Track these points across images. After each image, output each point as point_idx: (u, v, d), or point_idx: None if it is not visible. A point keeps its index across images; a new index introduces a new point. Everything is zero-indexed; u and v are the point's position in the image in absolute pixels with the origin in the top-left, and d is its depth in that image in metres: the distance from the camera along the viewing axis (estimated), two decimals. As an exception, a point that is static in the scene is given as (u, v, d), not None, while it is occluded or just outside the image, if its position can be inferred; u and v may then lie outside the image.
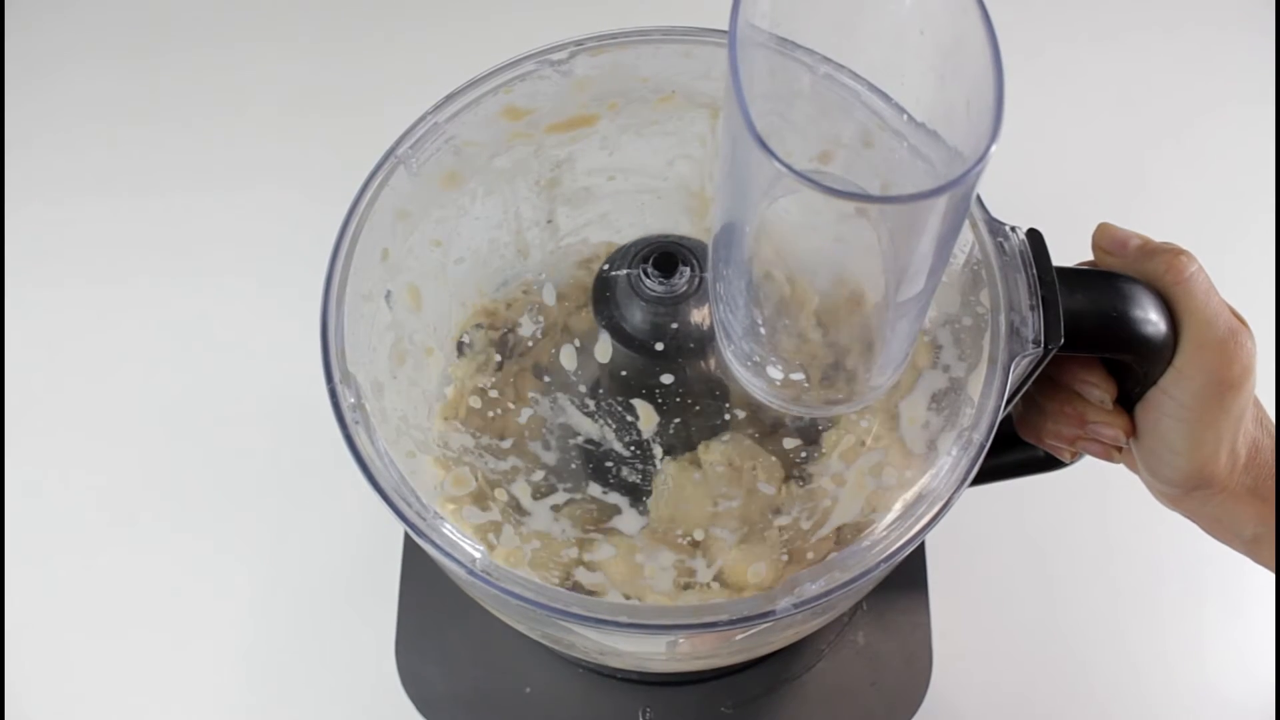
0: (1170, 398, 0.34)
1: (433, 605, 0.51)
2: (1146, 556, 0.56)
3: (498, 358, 0.33)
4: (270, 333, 0.60)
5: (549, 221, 0.35)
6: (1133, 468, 0.39)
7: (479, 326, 0.35)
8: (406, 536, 0.53)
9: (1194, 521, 0.38)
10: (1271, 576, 0.55)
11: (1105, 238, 0.35)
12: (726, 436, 0.32)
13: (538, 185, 0.36)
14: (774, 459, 0.32)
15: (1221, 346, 0.32)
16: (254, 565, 0.55)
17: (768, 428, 0.32)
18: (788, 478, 0.32)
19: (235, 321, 0.61)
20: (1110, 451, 0.38)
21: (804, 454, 0.32)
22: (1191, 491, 0.36)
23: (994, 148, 0.22)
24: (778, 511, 0.31)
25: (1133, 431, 0.37)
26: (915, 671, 0.50)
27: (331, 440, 0.31)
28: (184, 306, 0.62)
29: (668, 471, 0.32)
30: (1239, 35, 0.71)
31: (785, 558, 0.31)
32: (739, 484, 0.32)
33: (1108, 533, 0.57)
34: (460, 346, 0.34)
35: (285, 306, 0.55)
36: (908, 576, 0.51)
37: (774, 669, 0.49)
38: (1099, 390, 0.37)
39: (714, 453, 0.32)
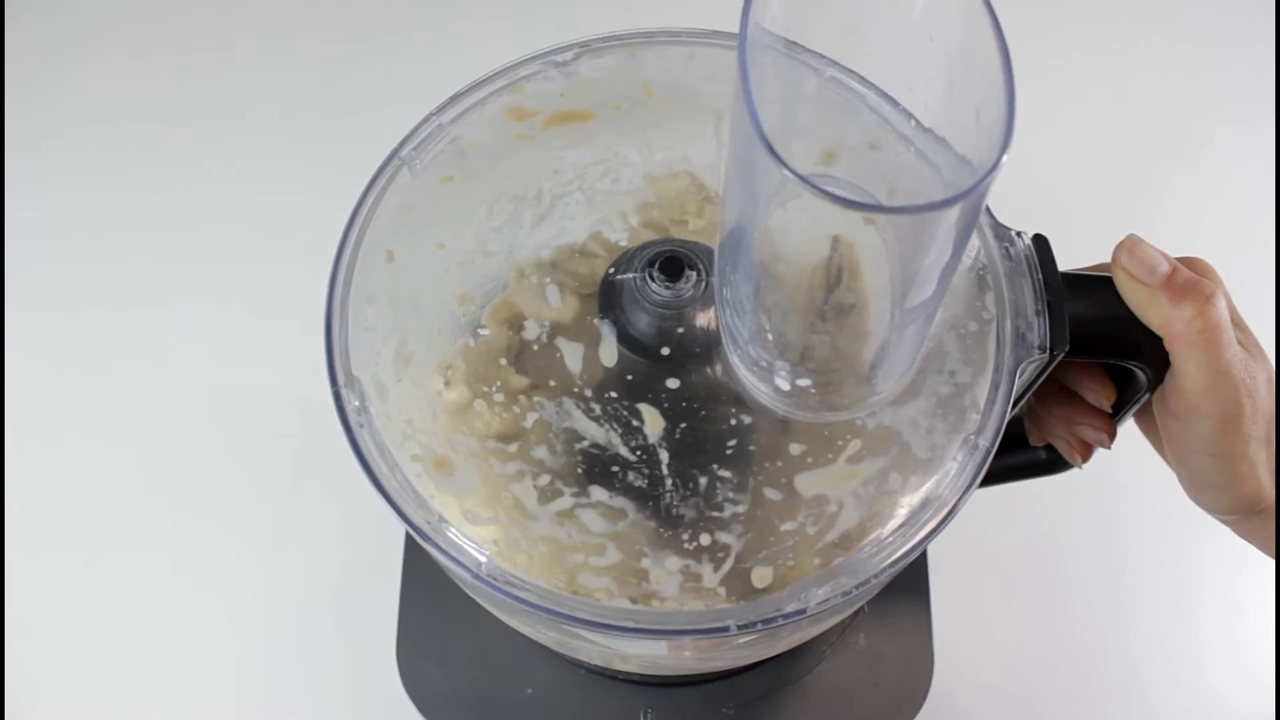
0: (1194, 433, 0.34)
1: (434, 606, 0.51)
2: (1147, 558, 0.56)
3: (502, 360, 0.33)
4: (272, 335, 0.60)
5: (553, 224, 0.35)
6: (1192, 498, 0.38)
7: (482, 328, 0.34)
8: (408, 537, 0.53)
9: (1262, 550, 0.37)
10: (1272, 577, 0.55)
11: (1134, 261, 0.32)
12: None
13: (542, 187, 0.36)
14: None
15: (1234, 384, 0.32)
16: (255, 566, 0.55)
17: (773, 432, 0.32)
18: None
19: (237, 323, 0.61)
20: (1075, 456, 0.38)
21: (809, 459, 0.32)
22: (1249, 517, 0.36)
23: (1005, 157, 0.22)
24: (784, 517, 0.31)
25: (1114, 437, 0.37)
26: (916, 673, 0.50)
27: (331, 441, 0.31)
28: (185, 308, 0.61)
29: None
30: (1243, 42, 0.71)
31: (791, 563, 0.31)
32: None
33: (1109, 535, 0.57)
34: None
35: (287, 309, 0.55)
36: (909, 578, 0.51)
37: (775, 670, 0.49)
38: (1099, 395, 0.37)
39: None
